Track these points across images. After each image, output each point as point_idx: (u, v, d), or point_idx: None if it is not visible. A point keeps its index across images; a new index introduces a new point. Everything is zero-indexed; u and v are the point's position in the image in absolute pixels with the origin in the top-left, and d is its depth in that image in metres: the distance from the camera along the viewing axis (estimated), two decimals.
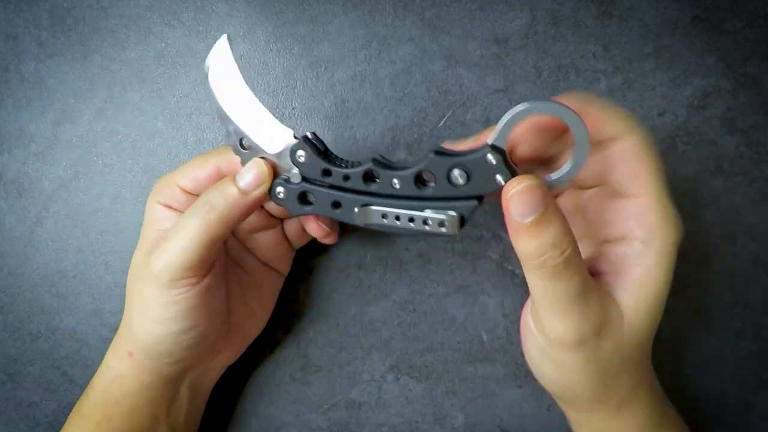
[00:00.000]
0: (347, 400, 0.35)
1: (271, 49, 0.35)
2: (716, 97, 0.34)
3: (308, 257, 0.35)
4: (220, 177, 0.28)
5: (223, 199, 0.26)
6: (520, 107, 0.22)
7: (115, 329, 0.35)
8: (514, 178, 0.23)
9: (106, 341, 0.35)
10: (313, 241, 0.34)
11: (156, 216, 0.29)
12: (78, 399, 0.31)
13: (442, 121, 0.35)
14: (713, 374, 0.35)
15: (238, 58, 0.35)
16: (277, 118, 0.34)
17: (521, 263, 0.24)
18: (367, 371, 0.35)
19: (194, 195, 0.29)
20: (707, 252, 0.35)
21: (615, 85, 0.35)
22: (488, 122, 0.35)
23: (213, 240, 0.26)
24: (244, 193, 0.26)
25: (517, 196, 0.22)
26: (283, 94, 0.35)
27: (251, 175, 0.26)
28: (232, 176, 0.27)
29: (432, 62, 0.35)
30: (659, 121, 0.34)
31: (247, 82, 0.35)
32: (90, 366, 0.36)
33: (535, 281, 0.24)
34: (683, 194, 0.35)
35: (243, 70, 0.35)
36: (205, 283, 0.27)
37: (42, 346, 0.36)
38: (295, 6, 0.35)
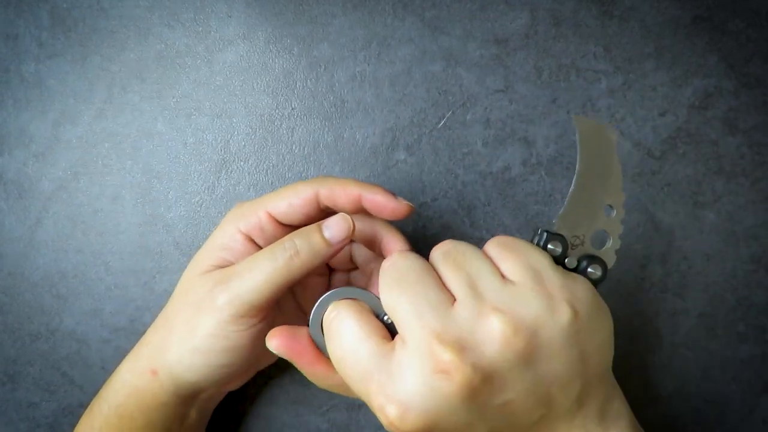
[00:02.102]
0: (347, 401, 0.35)
1: (270, 50, 0.35)
2: (718, 98, 0.34)
3: None
4: (316, 207, 0.28)
5: (309, 247, 0.26)
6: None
7: (115, 330, 0.35)
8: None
9: (106, 342, 0.36)
10: None
11: (229, 243, 0.28)
12: (86, 409, 0.30)
13: (442, 122, 0.35)
14: (716, 377, 0.34)
15: (239, 59, 0.35)
16: (276, 118, 0.34)
17: None
18: None
19: (282, 225, 0.28)
20: (709, 254, 0.34)
21: (616, 86, 0.34)
22: (488, 123, 0.35)
23: (288, 285, 0.26)
24: (329, 244, 0.26)
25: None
26: (282, 95, 0.35)
27: (340, 229, 0.26)
28: (318, 225, 0.27)
29: (432, 63, 0.35)
30: (660, 121, 0.34)
31: (246, 83, 0.35)
32: (90, 367, 0.36)
33: None
34: (684, 195, 0.34)
35: (243, 71, 0.35)
36: (262, 325, 0.27)
37: (42, 346, 0.36)
38: (295, 7, 0.35)
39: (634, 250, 0.35)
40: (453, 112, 0.35)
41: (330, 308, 0.25)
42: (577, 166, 0.25)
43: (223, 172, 0.36)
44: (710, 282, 0.34)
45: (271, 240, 0.28)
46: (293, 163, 0.35)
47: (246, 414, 0.35)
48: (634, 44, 0.34)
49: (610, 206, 0.26)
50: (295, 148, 0.35)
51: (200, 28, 0.36)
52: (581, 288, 0.23)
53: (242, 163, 0.35)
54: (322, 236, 0.26)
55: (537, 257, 0.24)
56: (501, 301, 0.22)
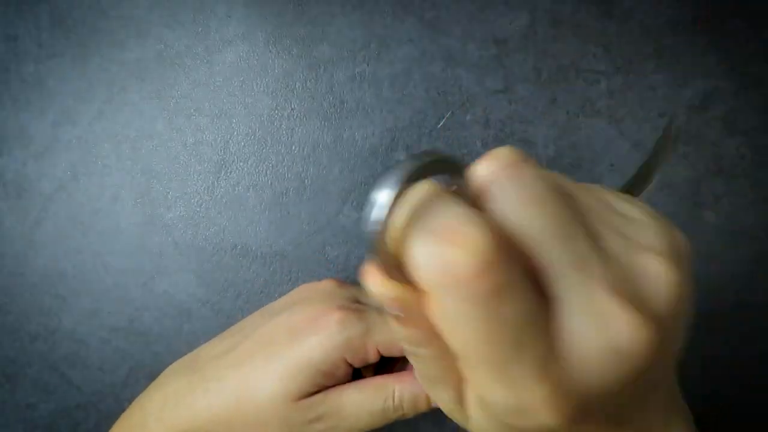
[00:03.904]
0: None
1: (270, 51, 0.35)
2: (717, 98, 0.34)
3: (307, 258, 0.35)
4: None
5: (413, 410, 0.27)
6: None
7: (114, 330, 0.35)
8: None
9: (105, 342, 0.35)
10: (314, 244, 0.35)
11: (331, 370, 0.26)
12: None
13: (442, 122, 0.35)
14: (716, 377, 0.34)
15: (238, 59, 0.35)
16: (275, 119, 0.34)
17: None
18: None
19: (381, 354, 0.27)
20: (709, 254, 0.34)
21: (615, 86, 0.34)
22: (487, 123, 0.35)
23: None
24: (429, 407, 0.26)
25: None
26: (282, 96, 0.35)
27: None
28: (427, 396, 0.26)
29: (431, 63, 0.35)
30: (660, 122, 0.34)
31: (246, 84, 0.35)
32: (88, 367, 0.36)
33: None
34: (684, 196, 0.34)
35: (242, 71, 0.35)
36: None
37: (40, 347, 0.36)
38: (294, 7, 0.35)
39: None
40: (452, 113, 0.35)
41: (445, 216, 0.13)
42: (642, 165, 0.24)
43: (223, 172, 0.35)
44: (710, 282, 0.34)
45: (369, 366, 0.27)
46: (293, 163, 0.35)
47: None
48: (633, 45, 0.34)
49: None
50: (295, 148, 0.35)
51: (200, 29, 0.36)
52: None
53: (242, 164, 0.35)
54: (428, 402, 0.26)
55: (612, 189, 0.19)
56: (645, 238, 0.16)
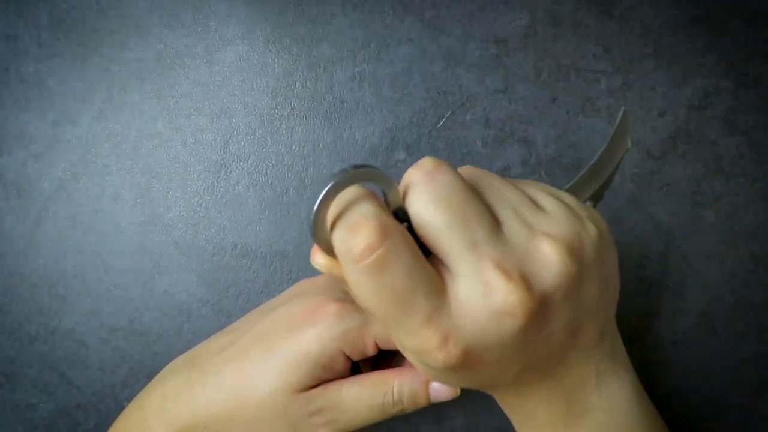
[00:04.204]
0: None
1: (270, 50, 0.35)
2: (717, 98, 0.34)
3: (307, 257, 0.35)
4: None
5: (412, 404, 0.26)
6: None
7: (113, 330, 0.35)
8: None
9: (105, 342, 0.35)
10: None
11: (330, 363, 0.26)
12: None
13: (442, 122, 0.35)
14: (716, 376, 0.34)
15: (238, 59, 0.35)
16: (275, 118, 0.34)
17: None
18: None
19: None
20: (708, 253, 0.34)
21: (615, 86, 0.34)
22: (487, 123, 0.35)
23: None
24: (428, 402, 0.27)
25: None
26: (282, 95, 0.35)
27: (446, 395, 0.27)
28: (426, 387, 0.26)
29: (431, 63, 0.35)
30: (660, 121, 0.34)
31: (246, 83, 0.35)
32: (88, 367, 0.36)
33: None
34: (684, 195, 0.34)
35: (242, 71, 0.35)
36: None
37: (40, 347, 0.36)
38: (294, 7, 0.35)
39: (634, 250, 0.35)
40: (452, 112, 0.35)
41: (359, 227, 0.18)
42: (600, 154, 0.26)
43: (223, 172, 0.35)
44: (710, 281, 0.34)
45: (368, 361, 0.28)
46: (293, 163, 0.35)
47: None
48: (633, 44, 0.34)
49: (590, 201, 0.26)
50: (295, 147, 0.35)
51: (200, 29, 0.36)
52: (593, 210, 0.22)
53: (242, 163, 0.35)
54: (428, 397, 0.26)
55: (548, 186, 0.23)
56: (547, 226, 0.20)
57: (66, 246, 0.36)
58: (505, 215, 0.20)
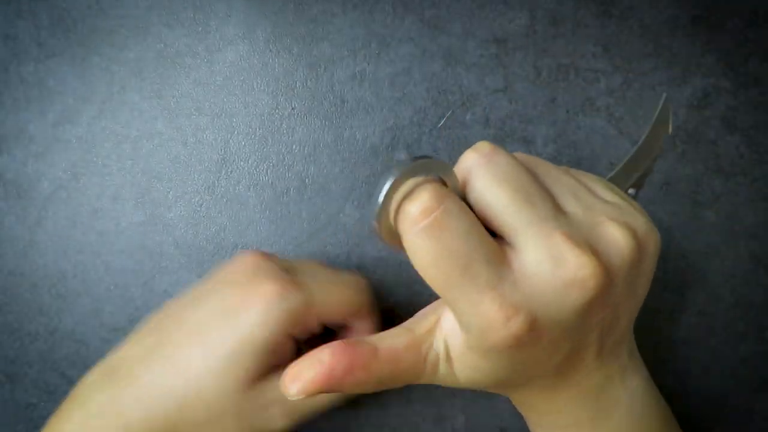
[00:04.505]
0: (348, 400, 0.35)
1: (270, 50, 0.35)
2: (716, 97, 0.34)
3: (308, 257, 0.35)
4: None
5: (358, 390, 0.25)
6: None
7: (114, 330, 0.35)
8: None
9: (105, 342, 0.35)
10: (315, 243, 0.34)
11: (279, 348, 0.24)
12: None
13: (442, 121, 0.35)
14: (715, 375, 0.35)
15: (239, 58, 0.35)
16: (276, 118, 0.34)
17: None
18: None
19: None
20: (708, 252, 0.35)
21: (615, 85, 0.35)
22: (488, 122, 0.35)
23: None
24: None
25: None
26: (282, 95, 0.35)
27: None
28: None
29: (431, 62, 0.35)
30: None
31: (246, 83, 0.35)
32: (89, 367, 0.35)
33: None
34: (683, 194, 0.35)
35: (242, 71, 0.35)
36: None
37: (41, 347, 0.36)
38: (295, 6, 0.35)
39: None
40: (453, 112, 0.35)
41: (417, 195, 0.18)
42: (641, 142, 0.26)
43: (223, 171, 0.35)
44: (709, 281, 0.35)
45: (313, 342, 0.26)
46: (293, 162, 0.35)
47: None
48: (633, 44, 0.34)
49: (632, 189, 0.27)
50: (295, 147, 0.35)
51: (200, 28, 0.36)
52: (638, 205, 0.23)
53: (242, 163, 0.35)
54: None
55: (601, 178, 0.23)
56: (610, 212, 0.20)
57: (66, 246, 0.36)
58: (565, 199, 0.20)
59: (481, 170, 0.19)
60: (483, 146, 0.20)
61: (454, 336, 0.21)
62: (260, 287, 0.24)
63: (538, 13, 0.35)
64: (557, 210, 0.19)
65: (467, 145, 0.35)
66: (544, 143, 0.35)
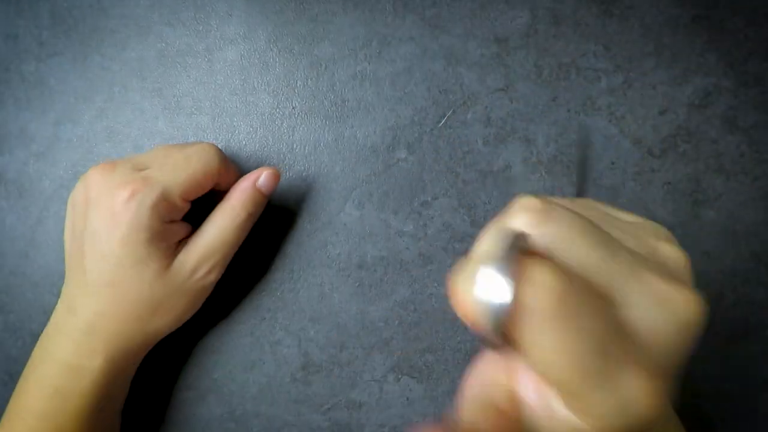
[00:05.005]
0: (348, 400, 0.35)
1: (271, 49, 0.35)
2: (717, 96, 0.34)
3: (308, 256, 0.35)
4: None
5: (259, 208, 0.32)
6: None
7: None
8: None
9: None
10: (315, 242, 0.34)
11: (159, 234, 0.29)
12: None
13: (443, 121, 0.35)
14: (716, 374, 0.35)
15: (239, 57, 0.35)
16: (276, 117, 0.34)
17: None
18: (367, 371, 0.35)
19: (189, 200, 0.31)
20: (709, 251, 0.35)
21: (615, 84, 0.35)
22: (489, 122, 0.35)
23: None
24: (267, 197, 0.32)
25: None
26: (283, 94, 0.35)
27: (274, 183, 0.32)
28: (255, 185, 0.32)
29: (432, 61, 0.35)
30: (660, 120, 0.34)
31: (247, 82, 0.35)
32: None
33: None
34: (684, 193, 0.35)
35: (243, 70, 0.35)
36: None
37: None
38: (296, 5, 0.35)
39: None
40: (454, 111, 0.35)
41: (537, 280, 0.15)
42: (581, 166, 0.26)
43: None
44: (710, 280, 0.34)
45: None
46: (294, 162, 0.35)
47: (246, 413, 0.35)
48: (633, 43, 0.34)
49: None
50: (296, 146, 0.35)
51: (201, 27, 0.36)
52: None
53: (243, 162, 0.35)
54: (261, 193, 0.32)
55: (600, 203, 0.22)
56: (651, 231, 0.19)
57: None
58: (617, 232, 0.18)
59: (549, 230, 0.17)
60: (531, 203, 0.17)
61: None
62: (115, 200, 0.28)
63: (539, 13, 0.34)
64: (629, 250, 0.17)
65: (468, 144, 0.35)
66: (545, 142, 0.35)
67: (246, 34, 0.35)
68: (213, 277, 0.31)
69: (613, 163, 0.35)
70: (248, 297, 0.35)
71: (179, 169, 0.29)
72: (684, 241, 0.35)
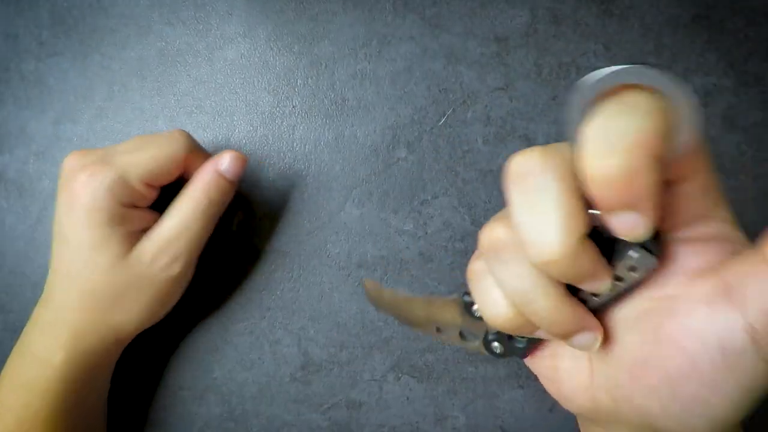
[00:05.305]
0: (348, 399, 0.35)
1: (271, 48, 0.35)
2: (717, 96, 0.34)
3: (308, 256, 0.35)
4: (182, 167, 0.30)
5: (224, 195, 0.30)
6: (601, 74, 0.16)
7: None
8: None
9: None
10: (315, 241, 0.34)
11: (116, 217, 0.28)
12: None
13: (443, 120, 0.35)
14: None
15: (240, 56, 0.35)
16: (277, 116, 0.34)
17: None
18: (367, 371, 0.35)
19: (152, 186, 0.30)
20: None
21: None
22: (488, 121, 0.35)
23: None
24: (233, 183, 0.30)
25: None
26: (283, 93, 0.35)
27: (240, 166, 0.30)
28: (217, 170, 0.30)
29: (432, 60, 0.35)
30: None
31: (247, 81, 0.35)
32: None
33: None
34: None
35: (243, 69, 0.35)
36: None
37: None
38: (296, 4, 0.35)
39: None
40: (453, 110, 0.35)
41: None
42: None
43: None
44: None
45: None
46: (294, 161, 0.35)
47: (246, 413, 0.35)
48: (633, 42, 0.34)
49: None
50: (296, 145, 0.35)
51: (201, 26, 0.36)
52: None
53: None
54: (223, 175, 0.30)
55: None
56: None
57: None
58: None
59: None
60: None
61: None
62: (76, 183, 0.28)
63: (539, 12, 0.35)
64: None
65: (468, 143, 0.35)
66: (545, 141, 0.35)
67: (246, 33, 0.35)
68: (178, 269, 0.30)
69: None
70: (248, 296, 0.35)
71: (141, 152, 0.29)
72: None
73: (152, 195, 0.30)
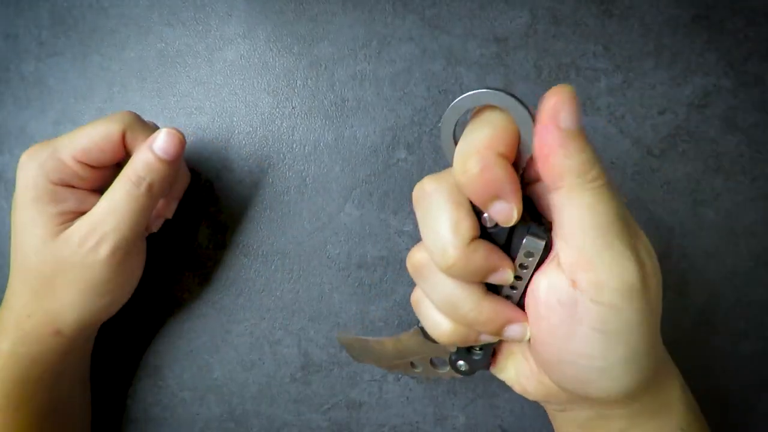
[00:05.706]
0: (348, 399, 0.35)
1: (271, 49, 0.35)
2: (717, 96, 0.34)
3: (308, 256, 0.35)
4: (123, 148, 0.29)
5: (158, 175, 0.28)
6: (458, 100, 0.21)
7: (112, 327, 0.35)
8: (556, 87, 0.19)
9: (105, 339, 0.35)
10: (315, 242, 0.34)
11: (52, 197, 0.28)
12: None
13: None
14: (716, 374, 0.35)
15: (239, 57, 0.35)
16: (276, 117, 0.34)
17: (553, 188, 0.20)
18: (367, 371, 0.35)
19: (89, 165, 0.29)
20: (708, 251, 0.35)
21: (615, 84, 0.35)
22: None
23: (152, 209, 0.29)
24: (168, 163, 0.28)
25: (569, 102, 0.19)
26: (283, 94, 0.35)
27: (173, 144, 0.29)
28: (151, 152, 0.28)
29: (432, 61, 0.35)
30: (660, 119, 0.34)
31: (247, 82, 0.35)
32: (89, 366, 0.36)
33: (580, 205, 0.19)
34: (683, 193, 0.35)
35: (243, 70, 0.35)
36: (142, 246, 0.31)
37: None
38: (295, 5, 0.35)
39: None
40: None
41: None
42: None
43: (224, 170, 0.35)
44: (710, 279, 0.35)
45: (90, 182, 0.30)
46: (294, 161, 0.35)
47: (246, 413, 0.35)
48: (633, 43, 0.34)
49: None
50: (296, 146, 0.35)
51: (200, 27, 0.36)
52: None
53: (243, 162, 0.35)
54: (155, 155, 0.28)
55: None
56: None
57: None
58: None
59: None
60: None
61: None
62: (18, 165, 0.29)
63: (539, 13, 0.35)
64: None
65: None
66: None
67: (246, 34, 0.35)
68: (106, 251, 0.28)
69: (612, 163, 0.35)
70: (248, 297, 0.35)
71: (78, 131, 0.28)
72: (683, 240, 0.35)
73: (90, 175, 0.29)
